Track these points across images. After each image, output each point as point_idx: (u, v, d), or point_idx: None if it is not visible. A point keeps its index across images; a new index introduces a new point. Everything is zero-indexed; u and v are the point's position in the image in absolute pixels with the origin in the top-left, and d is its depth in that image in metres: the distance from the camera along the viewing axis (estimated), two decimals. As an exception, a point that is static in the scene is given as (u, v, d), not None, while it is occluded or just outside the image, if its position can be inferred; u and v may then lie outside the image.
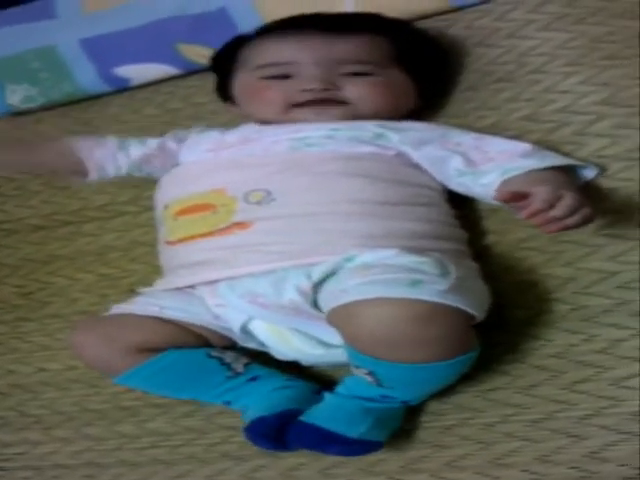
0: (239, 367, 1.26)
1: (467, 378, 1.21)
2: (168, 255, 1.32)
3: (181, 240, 1.28)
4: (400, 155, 1.29)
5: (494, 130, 1.37)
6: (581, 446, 1.16)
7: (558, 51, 1.39)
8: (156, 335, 1.25)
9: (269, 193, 1.23)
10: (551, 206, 1.08)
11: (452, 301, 1.08)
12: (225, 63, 1.46)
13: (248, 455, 1.32)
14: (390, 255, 1.14)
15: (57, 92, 1.75)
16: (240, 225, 1.22)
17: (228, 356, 1.27)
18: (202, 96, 1.65)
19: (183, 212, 1.29)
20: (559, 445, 1.17)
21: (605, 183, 1.27)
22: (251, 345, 1.27)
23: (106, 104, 1.75)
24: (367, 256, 1.15)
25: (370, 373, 1.14)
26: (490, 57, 1.45)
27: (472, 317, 1.12)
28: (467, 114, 1.42)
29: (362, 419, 1.16)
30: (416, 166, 1.29)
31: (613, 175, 1.27)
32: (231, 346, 1.29)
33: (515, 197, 1.11)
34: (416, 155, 1.28)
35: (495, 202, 1.23)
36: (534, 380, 1.22)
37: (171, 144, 1.43)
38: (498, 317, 1.22)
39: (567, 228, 1.10)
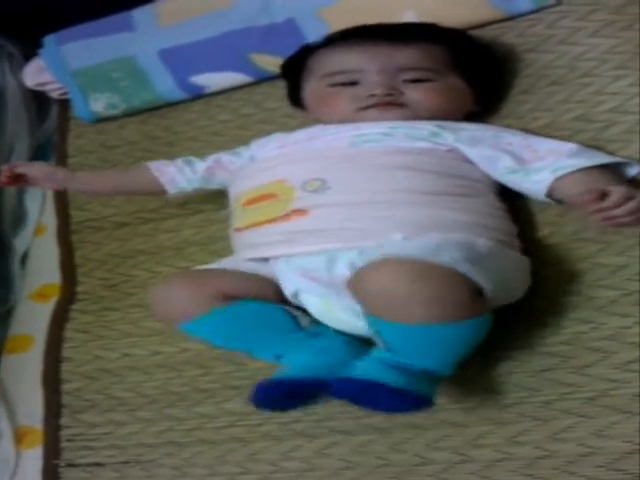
0: (304, 322, 1.32)
1: (519, 360, 1.30)
2: (236, 241, 1.43)
3: (248, 227, 1.38)
4: (453, 151, 1.37)
5: (548, 130, 1.45)
6: (634, 421, 1.21)
7: (607, 56, 1.46)
8: (240, 284, 1.34)
9: (324, 182, 1.33)
10: (619, 205, 1.18)
11: (446, 262, 1.14)
12: (295, 71, 1.57)
13: (319, 433, 1.39)
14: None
15: (137, 99, 1.85)
16: (298, 212, 1.32)
17: (300, 314, 1.34)
18: (273, 102, 1.74)
19: (249, 202, 1.40)
20: (612, 421, 1.22)
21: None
22: None
23: (184, 110, 1.85)
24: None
25: (378, 334, 1.22)
26: (543, 62, 1.52)
27: (477, 288, 1.17)
28: (523, 115, 1.50)
29: (396, 374, 1.18)
30: (469, 161, 1.37)
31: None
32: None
33: (598, 195, 1.18)
34: (471, 152, 1.37)
35: (544, 198, 1.32)
36: (586, 361, 1.27)
37: (225, 156, 1.56)
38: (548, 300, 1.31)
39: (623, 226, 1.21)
